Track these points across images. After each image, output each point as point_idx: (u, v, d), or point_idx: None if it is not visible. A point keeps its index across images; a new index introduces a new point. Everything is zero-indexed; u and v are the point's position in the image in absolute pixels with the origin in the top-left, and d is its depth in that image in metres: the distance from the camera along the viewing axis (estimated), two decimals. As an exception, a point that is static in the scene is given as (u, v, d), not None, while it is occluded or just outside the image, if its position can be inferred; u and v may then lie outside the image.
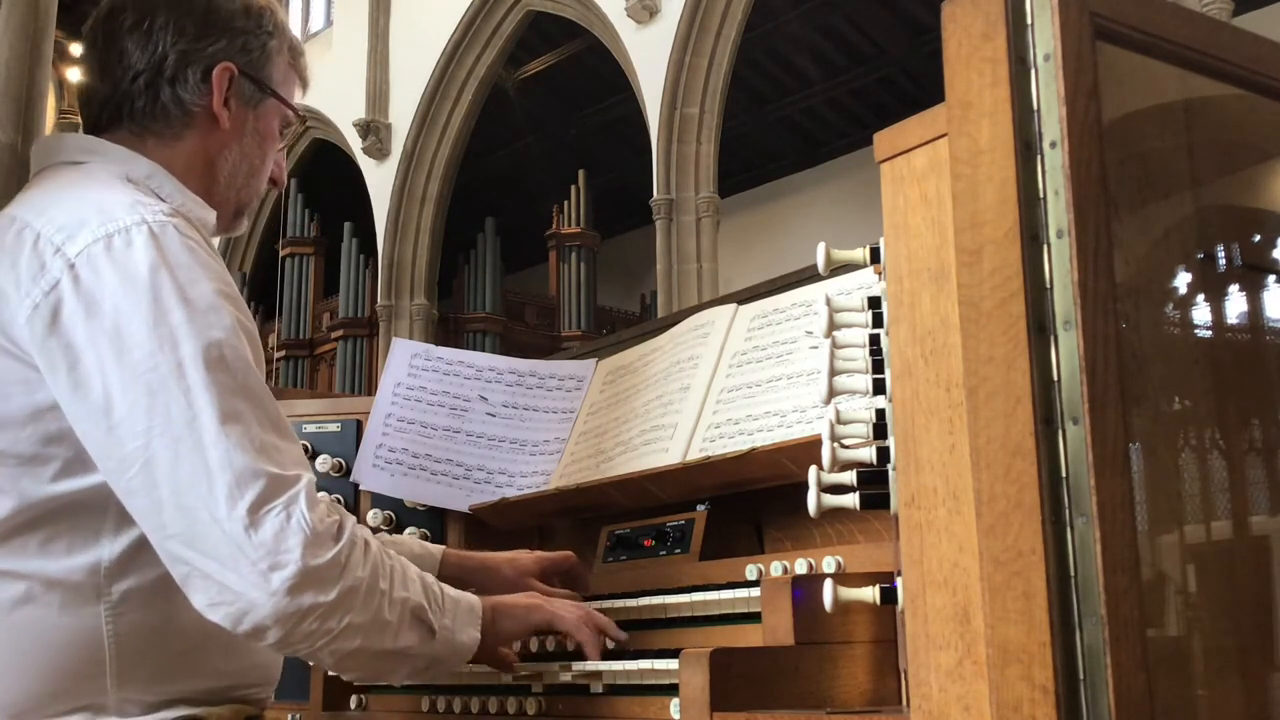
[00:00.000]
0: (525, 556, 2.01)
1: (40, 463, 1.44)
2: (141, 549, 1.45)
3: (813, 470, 1.38)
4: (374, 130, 15.79)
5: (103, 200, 1.49)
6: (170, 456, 1.37)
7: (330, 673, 2.08)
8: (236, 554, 1.34)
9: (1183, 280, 1.27)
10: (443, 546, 2.02)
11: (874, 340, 1.37)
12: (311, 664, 2.21)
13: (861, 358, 1.38)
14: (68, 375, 1.40)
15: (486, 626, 1.61)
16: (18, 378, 1.44)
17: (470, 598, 1.62)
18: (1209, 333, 1.26)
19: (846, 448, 1.37)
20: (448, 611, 1.56)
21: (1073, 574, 1.05)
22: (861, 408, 1.36)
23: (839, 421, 1.37)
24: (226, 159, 1.67)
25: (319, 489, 2.53)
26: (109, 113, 1.64)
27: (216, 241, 1.86)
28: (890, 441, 1.29)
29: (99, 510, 1.45)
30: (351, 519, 1.47)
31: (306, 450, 2.50)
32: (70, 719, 1.43)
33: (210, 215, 1.65)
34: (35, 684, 1.42)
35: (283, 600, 1.35)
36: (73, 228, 1.45)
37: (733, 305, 2.25)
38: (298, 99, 1.79)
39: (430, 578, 1.58)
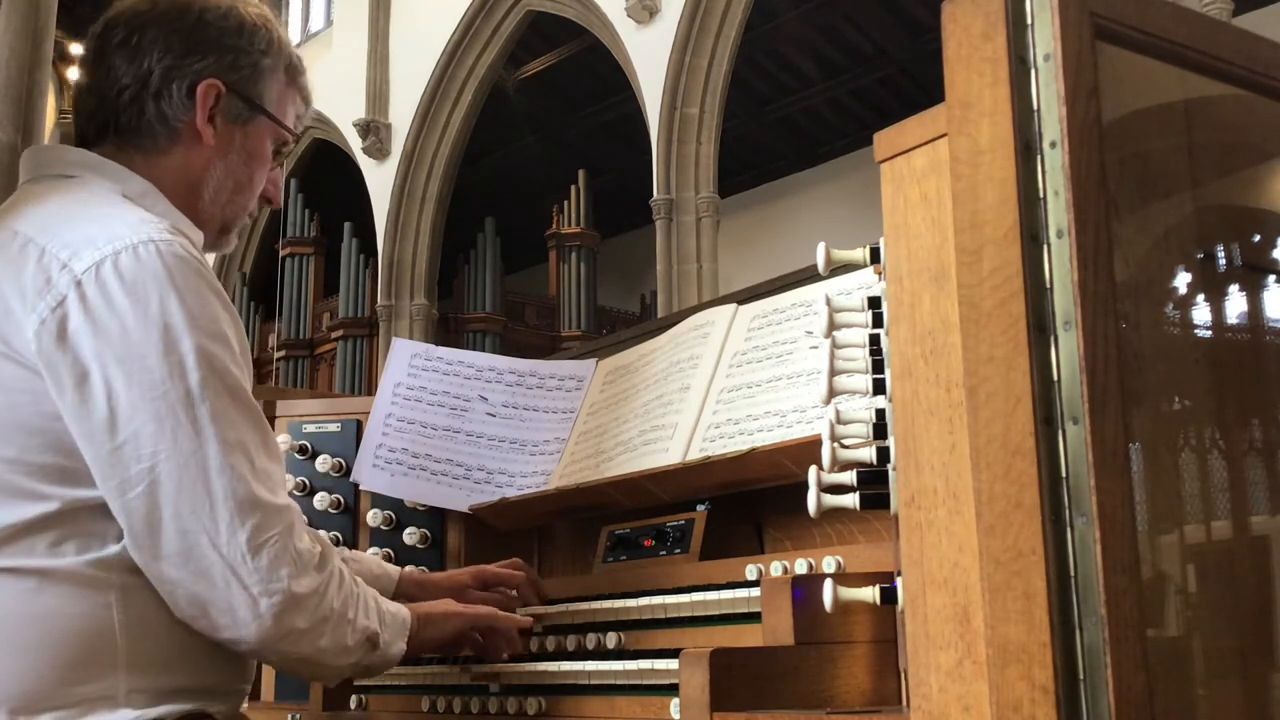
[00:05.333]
0: (461, 574, 2.11)
1: (51, 470, 1.45)
2: None
3: (813, 470, 1.38)
4: (374, 130, 15.78)
5: (107, 217, 1.51)
6: (175, 482, 1.42)
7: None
8: (231, 578, 1.43)
9: (1183, 280, 1.26)
10: (399, 569, 2.09)
11: (874, 340, 1.37)
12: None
13: (861, 358, 1.38)
14: (74, 391, 1.43)
15: (413, 636, 1.72)
16: (25, 387, 1.45)
17: (403, 612, 1.72)
18: (1209, 333, 1.26)
19: (846, 448, 1.37)
20: (388, 627, 1.66)
21: (1073, 574, 1.05)
22: (861, 408, 1.36)
23: (839, 421, 1.37)
24: (211, 176, 1.68)
25: (319, 489, 2.55)
26: (96, 126, 1.66)
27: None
28: (890, 441, 1.29)
29: (107, 513, 1.46)
30: (331, 549, 1.56)
31: (306, 450, 2.50)
32: (81, 707, 1.43)
33: (199, 235, 1.67)
34: (48, 673, 1.43)
35: (268, 623, 1.46)
36: (79, 245, 1.46)
37: (733, 305, 2.25)
38: (298, 118, 1.78)
39: (373, 593, 1.66)
